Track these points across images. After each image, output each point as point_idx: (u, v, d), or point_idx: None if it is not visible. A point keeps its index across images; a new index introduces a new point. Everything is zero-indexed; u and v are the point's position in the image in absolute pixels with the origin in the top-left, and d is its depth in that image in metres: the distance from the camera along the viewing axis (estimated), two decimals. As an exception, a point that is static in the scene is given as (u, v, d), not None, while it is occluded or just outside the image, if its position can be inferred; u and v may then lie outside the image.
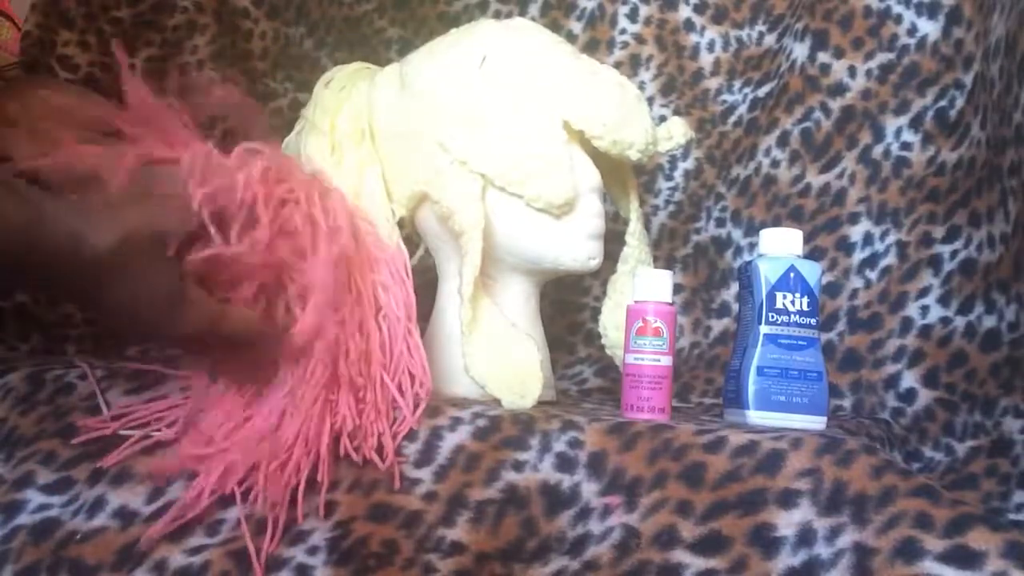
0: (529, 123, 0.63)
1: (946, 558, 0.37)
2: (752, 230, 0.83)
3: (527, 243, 0.64)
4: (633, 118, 0.64)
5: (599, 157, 0.65)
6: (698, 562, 0.41)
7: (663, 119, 0.88)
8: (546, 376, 0.64)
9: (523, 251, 0.64)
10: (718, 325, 0.83)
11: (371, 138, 0.66)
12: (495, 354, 0.59)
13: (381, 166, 0.65)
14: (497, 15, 0.93)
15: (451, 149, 0.62)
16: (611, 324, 0.70)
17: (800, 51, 0.83)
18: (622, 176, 0.73)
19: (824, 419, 0.56)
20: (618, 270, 0.71)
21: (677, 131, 0.68)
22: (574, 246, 0.64)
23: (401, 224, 0.67)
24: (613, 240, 0.70)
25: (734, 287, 0.83)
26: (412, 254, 0.69)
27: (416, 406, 0.52)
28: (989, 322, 0.71)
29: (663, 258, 0.87)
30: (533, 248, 0.64)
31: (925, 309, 0.75)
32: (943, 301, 0.74)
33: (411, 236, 0.70)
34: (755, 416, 0.56)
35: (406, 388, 0.53)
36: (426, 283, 0.72)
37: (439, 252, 0.69)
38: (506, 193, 0.62)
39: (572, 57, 0.66)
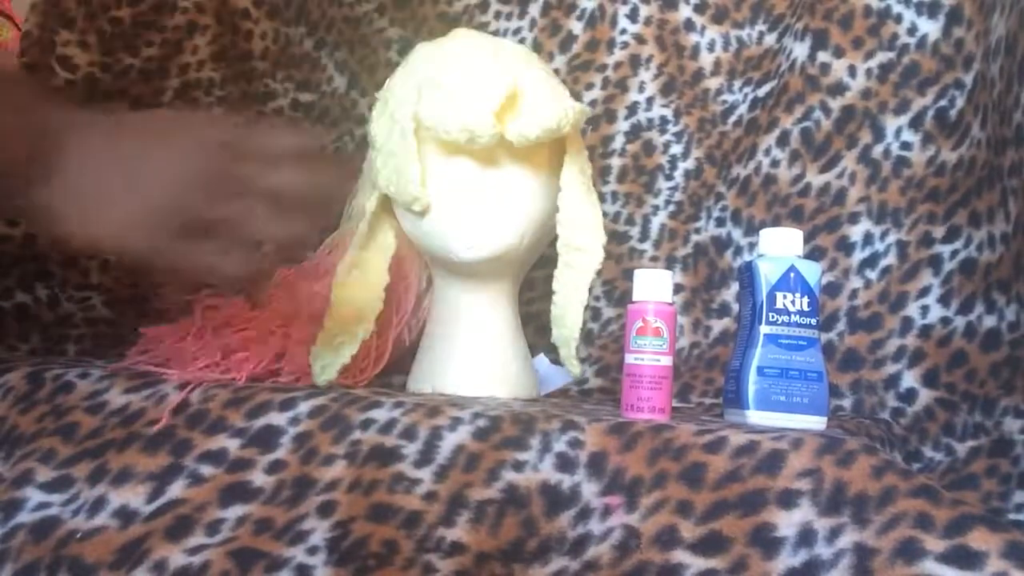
0: (390, 128, 0.67)
1: (946, 558, 0.37)
2: (752, 230, 0.83)
3: (422, 242, 0.70)
4: (467, 107, 0.63)
5: (536, 148, 0.66)
6: (698, 562, 0.41)
7: (663, 119, 0.89)
8: (512, 375, 0.70)
9: (425, 249, 0.70)
10: (718, 325, 0.83)
11: None
12: None
13: None
14: (497, 16, 0.94)
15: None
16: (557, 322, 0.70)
17: (800, 51, 0.83)
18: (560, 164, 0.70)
19: (824, 419, 0.56)
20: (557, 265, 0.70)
21: (539, 122, 0.63)
22: (450, 238, 0.66)
23: None
24: (614, 239, 0.70)
25: (734, 287, 0.83)
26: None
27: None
28: (989, 322, 0.71)
29: (663, 258, 0.87)
30: (425, 245, 0.69)
31: (925, 309, 0.75)
32: (943, 301, 0.74)
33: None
34: (755, 416, 0.56)
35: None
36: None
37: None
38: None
39: (465, 61, 0.67)
